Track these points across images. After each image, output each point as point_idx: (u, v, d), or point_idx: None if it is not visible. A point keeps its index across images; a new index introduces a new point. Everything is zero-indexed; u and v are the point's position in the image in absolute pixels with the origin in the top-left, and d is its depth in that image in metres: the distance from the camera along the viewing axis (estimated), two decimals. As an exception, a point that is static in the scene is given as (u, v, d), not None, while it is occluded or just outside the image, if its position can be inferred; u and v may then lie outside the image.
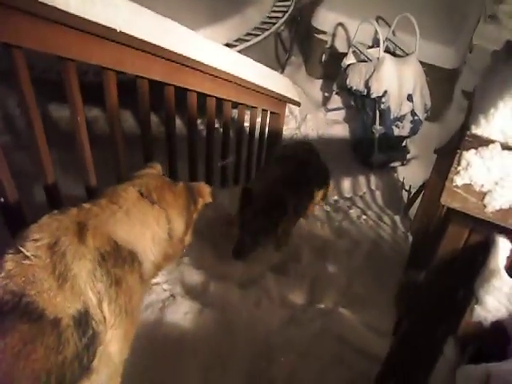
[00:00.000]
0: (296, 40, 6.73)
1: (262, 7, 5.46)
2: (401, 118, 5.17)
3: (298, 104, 4.18)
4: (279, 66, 6.31)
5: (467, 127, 1.25)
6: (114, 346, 1.28)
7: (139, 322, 1.48)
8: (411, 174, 5.23)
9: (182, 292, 2.30)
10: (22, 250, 1.15)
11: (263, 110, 3.74)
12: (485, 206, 1.15)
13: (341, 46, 6.04)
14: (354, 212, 4.28)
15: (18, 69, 1.57)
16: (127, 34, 1.78)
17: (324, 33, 6.14)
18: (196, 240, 2.51)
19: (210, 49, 2.49)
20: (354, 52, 5.46)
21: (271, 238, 2.87)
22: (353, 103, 5.71)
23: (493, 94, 1.26)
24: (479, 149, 1.16)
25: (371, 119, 5.28)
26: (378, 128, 5.23)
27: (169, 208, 1.52)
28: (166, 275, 2.34)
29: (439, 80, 5.57)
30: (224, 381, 2.01)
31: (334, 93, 6.03)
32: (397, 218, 4.39)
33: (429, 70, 5.36)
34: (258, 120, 3.79)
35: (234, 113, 3.62)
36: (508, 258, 1.20)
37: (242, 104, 3.32)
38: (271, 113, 3.85)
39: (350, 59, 5.42)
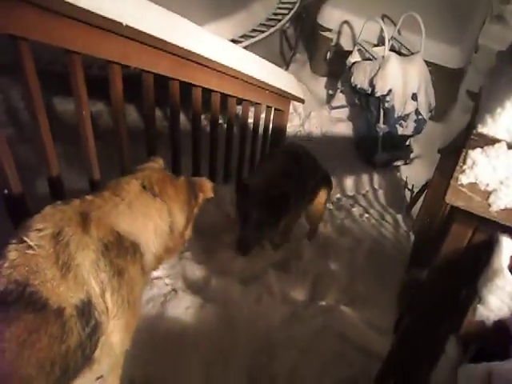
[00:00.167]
0: (301, 37, 6.72)
1: (268, 3, 5.44)
2: (405, 117, 5.16)
3: (302, 101, 4.17)
4: (284, 62, 6.30)
5: (473, 126, 1.24)
6: (115, 337, 1.29)
7: (141, 315, 1.48)
8: (414, 173, 5.23)
9: (183, 286, 2.31)
10: (26, 239, 1.15)
11: (267, 106, 3.73)
12: (489, 205, 1.14)
13: (346, 43, 6.04)
14: (356, 210, 4.28)
15: (23, 61, 1.57)
16: (133, 28, 1.77)
17: (329, 30, 6.13)
18: (197, 235, 2.52)
19: (217, 45, 2.48)
20: (359, 50, 5.45)
21: (274, 231, 2.82)
22: (357, 101, 5.70)
23: (499, 94, 1.25)
24: (485, 148, 1.16)
25: (375, 118, 5.27)
26: (381, 127, 5.23)
27: (170, 202, 1.53)
28: (168, 269, 2.35)
29: (444, 79, 5.55)
30: (225, 376, 2.01)
31: (339, 91, 6.03)
32: (399, 216, 4.39)
33: (434, 69, 5.35)
34: (262, 116, 3.79)
35: (238, 109, 3.62)
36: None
37: (246, 100, 3.31)
38: (275, 109, 3.84)
39: (355, 57, 5.42)
